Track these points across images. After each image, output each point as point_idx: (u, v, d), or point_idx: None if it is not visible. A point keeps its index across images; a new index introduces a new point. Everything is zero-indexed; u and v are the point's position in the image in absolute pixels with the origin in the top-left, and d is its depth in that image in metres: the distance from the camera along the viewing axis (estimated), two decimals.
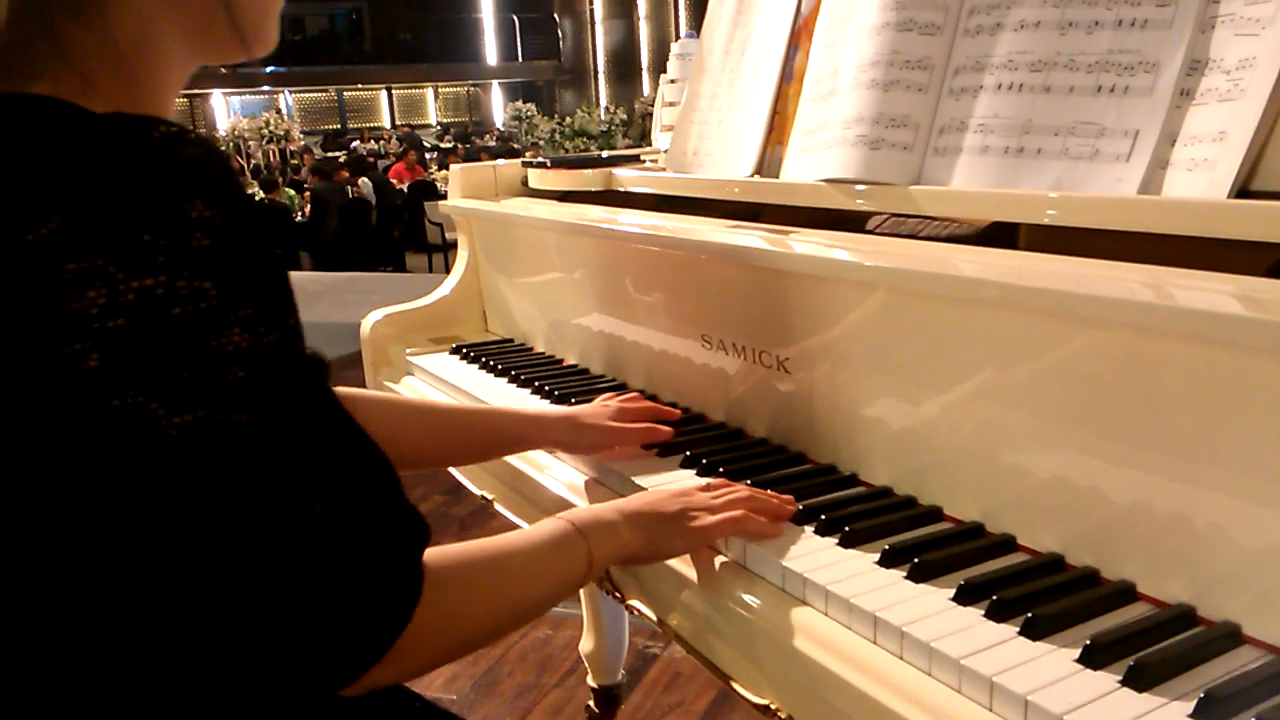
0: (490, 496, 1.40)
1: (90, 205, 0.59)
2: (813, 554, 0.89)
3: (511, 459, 1.26)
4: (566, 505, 1.14)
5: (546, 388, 1.41)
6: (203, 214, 0.61)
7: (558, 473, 1.20)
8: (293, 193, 10.04)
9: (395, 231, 9.63)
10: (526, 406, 1.34)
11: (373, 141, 19.06)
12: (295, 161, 13.52)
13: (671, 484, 1.04)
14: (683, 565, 0.96)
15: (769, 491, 0.98)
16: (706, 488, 0.98)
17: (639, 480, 1.07)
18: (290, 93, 23.95)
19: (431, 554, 0.73)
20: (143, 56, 0.69)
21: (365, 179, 9.87)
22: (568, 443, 1.17)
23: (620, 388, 1.41)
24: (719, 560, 0.93)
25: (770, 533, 0.93)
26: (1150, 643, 0.71)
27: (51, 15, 0.66)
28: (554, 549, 0.85)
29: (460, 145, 17.39)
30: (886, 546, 0.87)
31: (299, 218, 9.32)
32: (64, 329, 0.58)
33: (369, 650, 0.68)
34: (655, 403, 1.27)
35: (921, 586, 0.82)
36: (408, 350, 1.69)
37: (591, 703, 2.08)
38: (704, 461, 1.09)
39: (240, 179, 0.67)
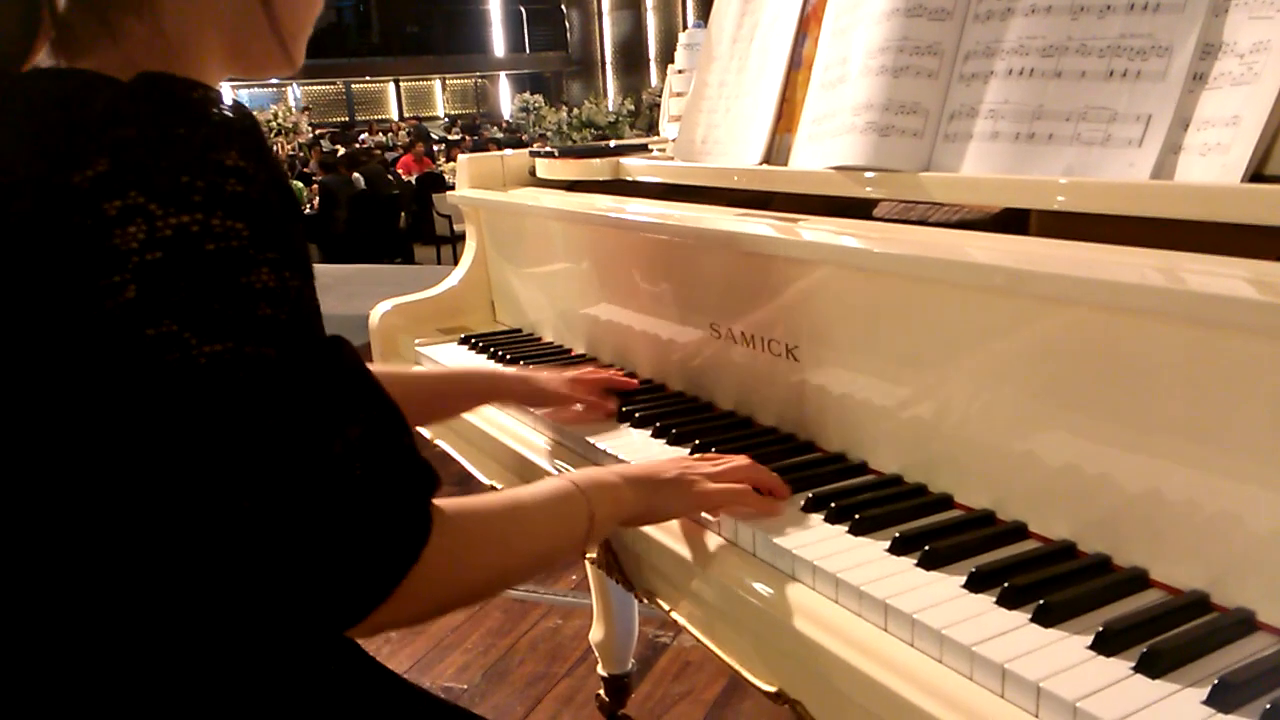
0: (500, 486, 1.41)
1: (135, 149, 0.64)
2: (823, 541, 0.88)
3: (525, 452, 1.27)
4: None
5: None
6: (237, 163, 0.65)
7: (568, 464, 1.20)
8: (301, 185, 10.05)
9: (385, 223, 9.60)
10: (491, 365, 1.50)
11: (381, 134, 19.06)
12: (303, 154, 13.53)
13: None
14: (691, 552, 0.96)
15: (769, 469, 0.99)
16: (704, 456, 1.01)
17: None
18: (298, 85, 23.97)
19: (441, 502, 0.76)
20: (185, 54, 0.73)
21: (357, 174, 9.83)
22: (527, 394, 1.27)
23: (629, 377, 1.41)
24: (726, 546, 0.93)
25: (771, 511, 0.94)
26: (1163, 630, 0.71)
27: (107, 3, 0.71)
28: (557, 505, 0.88)
29: (468, 137, 17.37)
30: (897, 534, 0.87)
31: (308, 210, 9.33)
32: (105, 262, 0.62)
33: (378, 586, 0.70)
34: (659, 393, 1.27)
35: (932, 574, 0.82)
36: (416, 341, 1.70)
37: (602, 691, 2.08)
38: (713, 450, 1.09)
39: (269, 144, 0.71)
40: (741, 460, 0.98)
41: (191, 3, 0.73)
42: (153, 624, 0.72)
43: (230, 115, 0.67)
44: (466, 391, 1.28)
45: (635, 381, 1.34)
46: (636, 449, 1.14)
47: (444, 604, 0.78)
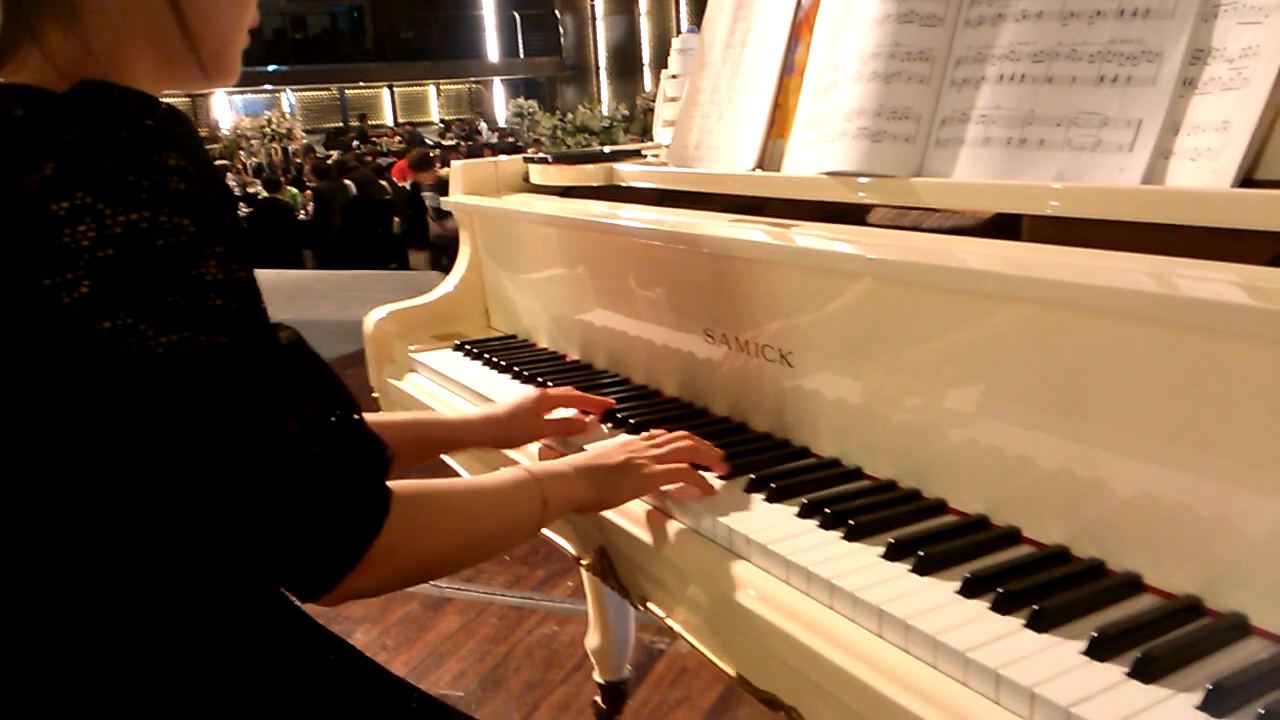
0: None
1: (80, 151, 0.66)
2: (817, 547, 0.88)
3: (511, 453, 1.26)
4: None
5: (549, 384, 1.41)
6: (178, 162, 0.68)
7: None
8: (295, 191, 10.04)
9: (380, 229, 9.58)
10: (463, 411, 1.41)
11: (375, 140, 19.04)
12: (298, 160, 13.52)
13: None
14: (684, 558, 0.96)
15: (707, 442, 1.05)
16: (649, 437, 1.06)
17: None
18: (292, 91, 23.96)
19: (405, 483, 0.81)
20: (115, 68, 0.75)
21: (347, 180, 9.80)
22: (494, 439, 1.24)
23: (623, 383, 1.41)
24: (720, 551, 0.93)
25: (706, 489, 1.00)
26: (1157, 634, 0.71)
27: (35, 20, 0.73)
28: (512, 490, 0.94)
29: (463, 143, 17.36)
30: (891, 540, 0.87)
31: (302, 216, 9.32)
32: (55, 260, 0.65)
33: (343, 556, 0.74)
34: (654, 399, 1.26)
35: (926, 579, 0.82)
36: (411, 347, 1.69)
37: (598, 698, 2.08)
38: None
39: (204, 144, 0.75)
40: (682, 437, 1.05)
41: (113, 19, 0.75)
42: (134, 607, 0.74)
43: (167, 117, 0.70)
44: (433, 444, 1.22)
45: (611, 401, 1.28)
46: None
47: (407, 575, 0.82)
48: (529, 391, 1.25)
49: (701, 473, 1.02)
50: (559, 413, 1.25)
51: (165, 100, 0.73)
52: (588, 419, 1.25)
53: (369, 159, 13.23)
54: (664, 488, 1.01)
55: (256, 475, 0.70)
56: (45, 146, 0.66)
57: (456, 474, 1.47)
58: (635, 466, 1.00)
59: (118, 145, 0.67)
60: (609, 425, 1.24)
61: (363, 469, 0.77)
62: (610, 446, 1.05)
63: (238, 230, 0.72)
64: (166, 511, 0.71)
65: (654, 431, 1.08)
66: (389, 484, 0.79)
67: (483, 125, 21.54)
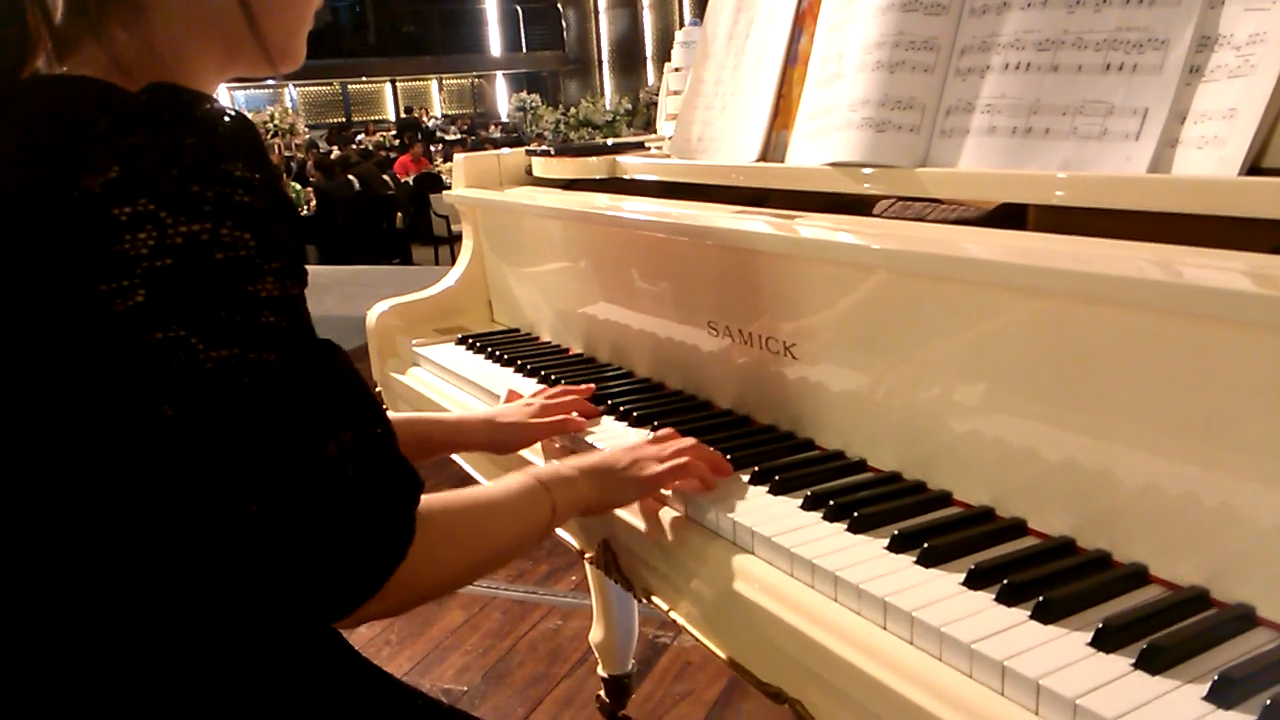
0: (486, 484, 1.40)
1: (146, 157, 0.65)
2: (822, 540, 0.88)
3: (526, 454, 1.26)
4: None
5: (552, 377, 1.41)
6: (244, 174, 0.68)
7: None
8: (299, 186, 10.04)
9: (383, 224, 9.58)
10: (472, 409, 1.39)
11: (379, 135, 19.04)
12: (300, 155, 13.51)
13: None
14: (688, 551, 0.95)
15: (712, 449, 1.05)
16: (655, 440, 1.05)
17: None
18: (294, 86, 23.95)
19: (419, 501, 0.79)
20: (179, 62, 0.75)
21: (351, 175, 9.80)
22: (491, 443, 1.23)
23: (627, 376, 1.40)
24: (724, 544, 0.93)
25: (709, 483, 1.00)
26: (1163, 626, 0.70)
27: (99, 17, 0.72)
28: (522, 499, 0.94)
29: (468, 137, 17.35)
30: (896, 531, 0.86)
31: (305, 211, 9.32)
32: (113, 266, 0.64)
33: (365, 583, 0.74)
34: (658, 392, 1.26)
35: (931, 571, 0.82)
36: (414, 341, 1.69)
37: (602, 692, 2.08)
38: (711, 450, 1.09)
39: (270, 156, 0.73)
40: (687, 441, 1.04)
41: (179, 15, 0.74)
42: (151, 618, 0.73)
43: (236, 127, 0.69)
44: (423, 441, 1.21)
45: (597, 410, 1.26)
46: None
47: (422, 596, 0.82)
48: (532, 398, 1.26)
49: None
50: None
51: (235, 110, 0.71)
52: (587, 421, 1.23)
53: (376, 152, 13.22)
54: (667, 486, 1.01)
55: (292, 496, 0.69)
56: (111, 149, 0.65)
57: (459, 467, 1.47)
58: (640, 466, 1.01)
59: (184, 153, 0.66)
60: (611, 417, 1.24)
61: (395, 496, 0.76)
62: (618, 450, 1.05)
63: (297, 244, 0.72)
64: (195, 524, 0.70)
65: (662, 433, 1.07)
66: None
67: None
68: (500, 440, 1.23)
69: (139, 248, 0.64)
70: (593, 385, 1.32)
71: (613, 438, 1.18)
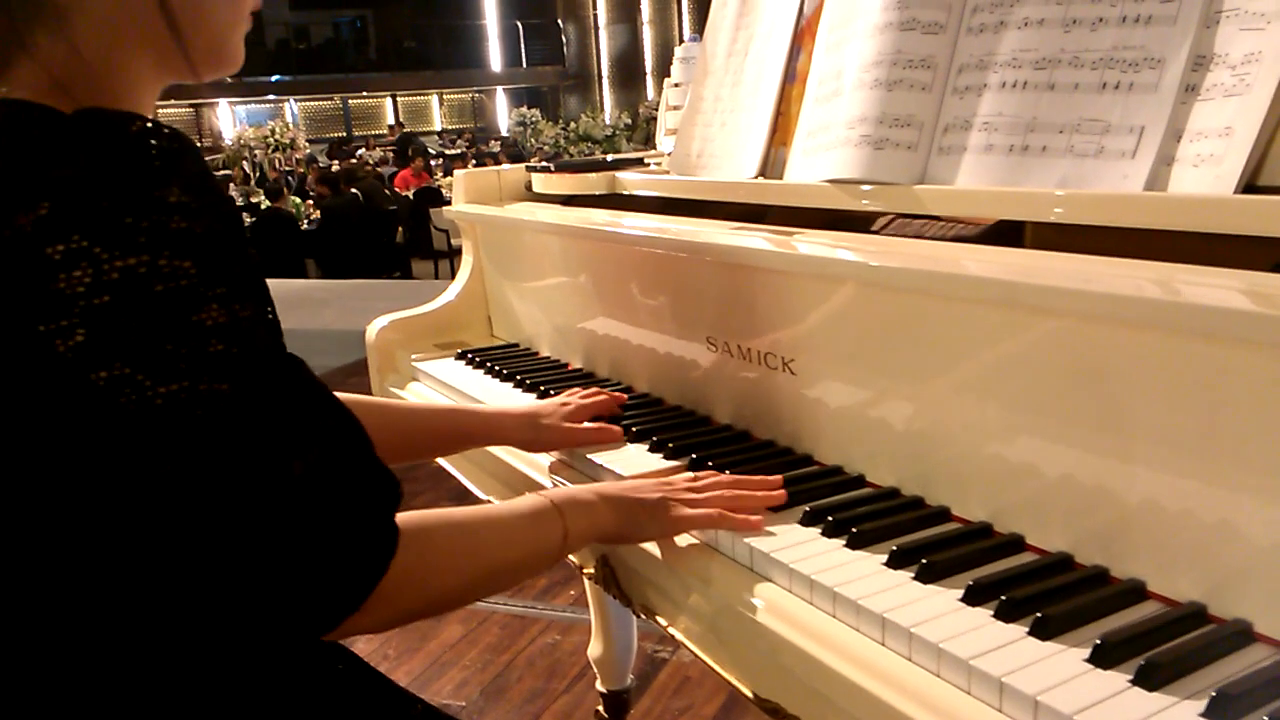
0: (496, 502, 1.40)
1: (76, 191, 0.63)
2: (820, 555, 0.88)
3: (521, 466, 1.26)
4: None
5: (551, 392, 1.41)
6: (180, 199, 0.65)
7: (565, 480, 1.20)
8: (299, 200, 10.05)
9: (384, 238, 9.58)
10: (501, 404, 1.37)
11: (378, 150, 19.08)
12: (301, 170, 13.54)
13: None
14: (687, 568, 0.95)
15: (756, 477, 1.00)
16: (694, 478, 1.01)
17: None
18: (295, 101, 24.01)
19: (409, 515, 0.78)
20: (111, 72, 0.73)
21: (354, 190, 9.80)
22: (525, 441, 1.21)
23: (625, 391, 1.40)
24: (723, 561, 0.93)
25: (749, 528, 0.93)
26: (1161, 642, 0.71)
27: (22, 26, 0.70)
28: (529, 521, 0.91)
29: (470, 151, 17.38)
30: (894, 547, 0.86)
31: (305, 225, 9.33)
32: (51, 307, 0.62)
33: (347, 599, 0.72)
34: (656, 407, 1.26)
35: (930, 587, 0.82)
36: (413, 356, 1.69)
37: (600, 708, 2.07)
38: (709, 464, 1.09)
39: (212, 169, 0.72)
40: (725, 481, 0.99)
41: (100, 20, 0.72)
42: (143, 631, 0.73)
43: (170, 148, 0.67)
44: (463, 436, 1.20)
45: (624, 397, 1.29)
46: (633, 463, 1.14)
47: (414, 611, 0.81)
48: (569, 396, 1.26)
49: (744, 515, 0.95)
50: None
51: (169, 127, 0.70)
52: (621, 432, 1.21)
53: (370, 166, 13.24)
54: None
55: (260, 523, 0.68)
56: (41, 182, 0.63)
57: (457, 481, 1.47)
58: (667, 506, 0.96)
59: (115, 183, 0.64)
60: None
61: (370, 508, 0.74)
62: (648, 481, 1.01)
63: (245, 262, 0.69)
64: (169, 555, 0.69)
65: (701, 474, 1.02)
66: (397, 519, 0.76)
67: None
68: (537, 440, 1.20)
69: (74, 286, 0.62)
70: (624, 395, 1.30)
71: (611, 453, 1.18)
